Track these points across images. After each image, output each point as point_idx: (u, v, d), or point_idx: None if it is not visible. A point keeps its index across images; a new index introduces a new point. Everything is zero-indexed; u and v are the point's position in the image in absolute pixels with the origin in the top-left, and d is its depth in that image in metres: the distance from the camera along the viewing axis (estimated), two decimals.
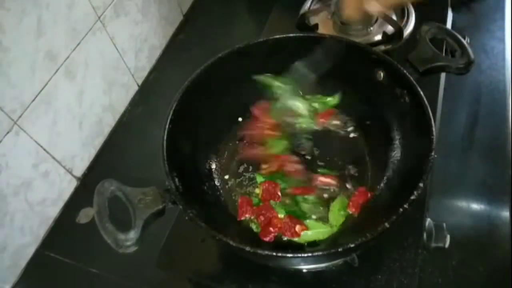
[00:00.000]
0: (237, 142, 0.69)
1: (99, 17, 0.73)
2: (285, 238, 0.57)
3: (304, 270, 0.58)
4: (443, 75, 0.73)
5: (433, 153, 0.50)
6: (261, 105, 0.69)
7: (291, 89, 0.66)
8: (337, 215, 0.58)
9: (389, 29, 0.78)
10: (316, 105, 0.69)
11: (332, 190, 0.61)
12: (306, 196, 0.61)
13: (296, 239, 0.57)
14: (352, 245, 0.45)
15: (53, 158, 0.68)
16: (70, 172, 0.73)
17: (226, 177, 0.66)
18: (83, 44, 0.70)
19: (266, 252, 0.46)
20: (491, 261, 0.59)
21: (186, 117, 0.61)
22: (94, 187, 0.50)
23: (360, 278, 0.56)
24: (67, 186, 0.73)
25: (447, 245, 0.57)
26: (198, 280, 0.61)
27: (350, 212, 0.59)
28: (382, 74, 0.62)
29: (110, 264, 0.64)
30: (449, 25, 0.81)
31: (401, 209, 0.47)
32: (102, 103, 0.78)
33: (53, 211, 0.71)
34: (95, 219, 0.49)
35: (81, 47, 0.70)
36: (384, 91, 0.62)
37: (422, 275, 0.56)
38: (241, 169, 0.66)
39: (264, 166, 0.65)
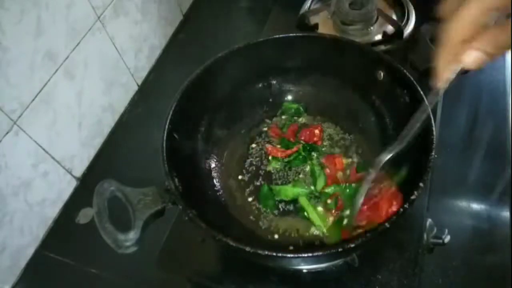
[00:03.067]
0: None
1: (98, 17, 0.72)
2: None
3: (304, 270, 0.58)
4: None
5: (433, 153, 0.50)
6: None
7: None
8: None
9: (389, 29, 0.78)
10: None
11: None
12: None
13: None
14: (352, 245, 0.45)
15: (53, 158, 0.68)
16: (70, 172, 0.73)
17: (226, 176, 0.66)
18: (83, 44, 0.70)
19: (266, 252, 0.46)
20: (491, 261, 0.59)
21: (186, 117, 0.61)
22: (93, 187, 0.50)
23: (360, 278, 0.56)
24: (67, 186, 0.73)
25: (446, 240, 0.57)
26: (198, 280, 0.61)
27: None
28: (382, 74, 0.62)
29: (110, 264, 0.63)
30: None
31: (401, 209, 0.47)
32: (102, 103, 0.78)
33: (53, 212, 0.71)
34: (94, 219, 0.48)
35: (80, 47, 0.69)
36: (384, 91, 0.62)
37: (422, 275, 0.56)
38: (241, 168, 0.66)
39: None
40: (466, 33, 0.33)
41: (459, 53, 0.34)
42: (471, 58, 0.34)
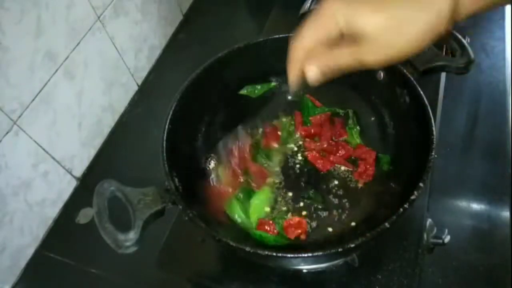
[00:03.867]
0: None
1: (98, 17, 0.72)
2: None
3: (304, 270, 0.58)
4: (443, 75, 0.73)
5: (433, 153, 0.50)
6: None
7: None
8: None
9: None
10: None
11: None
12: None
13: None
14: (352, 245, 0.45)
15: (53, 158, 0.68)
16: (70, 172, 0.73)
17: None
18: (83, 44, 0.70)
19: (266, 252, 0.46)
20: (491, 261, 0.59)
21: (186, 117, 0.61)
22: (93, 187, 0.50)
23: (360, 278, 0.56)
24: (67, 186, 0.73)
25: (446, 240, 0.57)
26: (197, 280, 0.61)
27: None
28: (382, 74, 0.62)
29: (110, 264, 0.63)
30: None
31: (401, 209, 0.47)
32: (102, 103, 0.78)
33: (53, 212, 0.71)
34: (94, 219, 0.48)
35: (80, 47, 0.69)
36: (384, 91, 0.62)
37: (422, 275, 0.56)
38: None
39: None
40: (307, 51, 0.39)
41: (302, 67, 0.40)
42: (310, 72, 0.40)
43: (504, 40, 0.82)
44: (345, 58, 0.38)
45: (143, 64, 0.88)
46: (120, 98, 0.83)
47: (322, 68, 0.40)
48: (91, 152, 0.78)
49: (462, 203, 0.65)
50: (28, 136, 0.63)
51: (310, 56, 0.39)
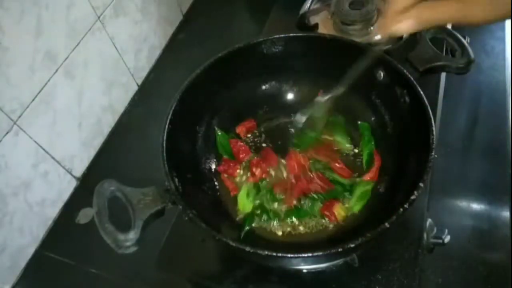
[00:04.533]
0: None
1: (98, 17, 0.72)
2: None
3: (304, 270, 0.58)
4: (443, 75, 0.73)
5: (433, 153, 0.50)
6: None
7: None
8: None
9: None
10: None
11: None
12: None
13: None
14: (352, 245, 0.45)
15: (53, 158, 0.68)
16: (70, 172, 0.73)
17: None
18: (83, 44, 0.70)
19: (266, 252, 0.46)
20: (491, 261, 0.60)
21: (186, 117, 0.61)
22: (93, 187, 0.50)
23: (360, 278, 0.56)
24: (67, 186, 0.73)
25: (446, 240, 0.57)
26: (198, 280, 0.61)
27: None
28: (382, 74, 0.62)
29: (110, 264, 0.64)
30: (449, 24, 0.81)
31: (401, 209, 0.47)
32: (102, 103, 0.78)
33: (53, 212, 0.71)
34: (94, 219, 0.48)
35: (80, 47, 0.69)
36: (384, 91, 0.62)
37: (422, 275, 0.56)
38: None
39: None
40: (404, 4, 0.42)
41: (398, 19, 0.43)
42: (404, 25, 0.43)
43: (504, 40, 0.82)
44: (450, 13, 0.40)
45: (143, 64, 0.88)
46: (120, 98, 0.83)
47: (421, 22, 0.42)
48: (91, 152, 0.78)
49: (462, 203, 0.65)
50: (28, 136, 0.63)
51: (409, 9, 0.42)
